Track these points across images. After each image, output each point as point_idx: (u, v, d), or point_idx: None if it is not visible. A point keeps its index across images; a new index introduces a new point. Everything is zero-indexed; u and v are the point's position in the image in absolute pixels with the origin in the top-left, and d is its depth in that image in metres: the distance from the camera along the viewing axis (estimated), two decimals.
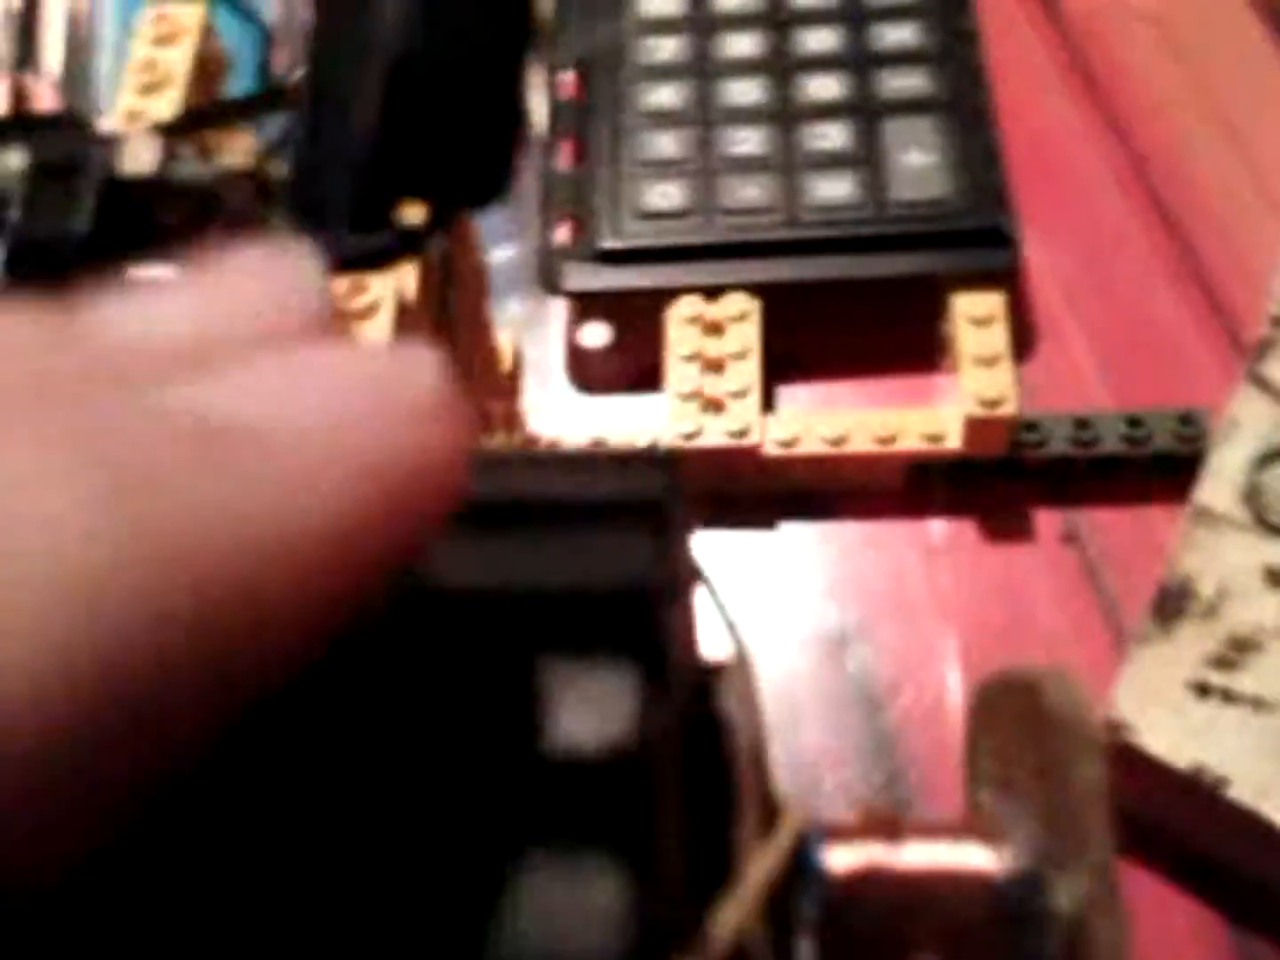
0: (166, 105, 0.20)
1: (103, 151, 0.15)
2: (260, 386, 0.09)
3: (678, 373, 0.29)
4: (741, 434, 0.28)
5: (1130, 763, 0.24)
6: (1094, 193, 0.33)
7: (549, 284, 0.31)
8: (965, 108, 0.31)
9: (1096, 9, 0.37)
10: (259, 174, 0.15)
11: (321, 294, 0.10)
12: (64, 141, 0.15)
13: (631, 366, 0.31)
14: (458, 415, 0.09)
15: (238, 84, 0.37)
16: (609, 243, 0.30)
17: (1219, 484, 0.26)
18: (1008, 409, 0.27)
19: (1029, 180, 0.33)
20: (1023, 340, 0.30)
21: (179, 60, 0.21)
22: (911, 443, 0.28)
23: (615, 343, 0.32)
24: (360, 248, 0.15)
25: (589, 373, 0.32)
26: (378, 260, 0.15)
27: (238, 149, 0.15)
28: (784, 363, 0.31)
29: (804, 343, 0.31)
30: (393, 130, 0.15)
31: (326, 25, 0.16)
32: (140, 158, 0.15)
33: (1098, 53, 0.36)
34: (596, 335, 0.32)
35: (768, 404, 0.30)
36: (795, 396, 0.31)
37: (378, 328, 0.20)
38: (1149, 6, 0.36)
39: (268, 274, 0.10)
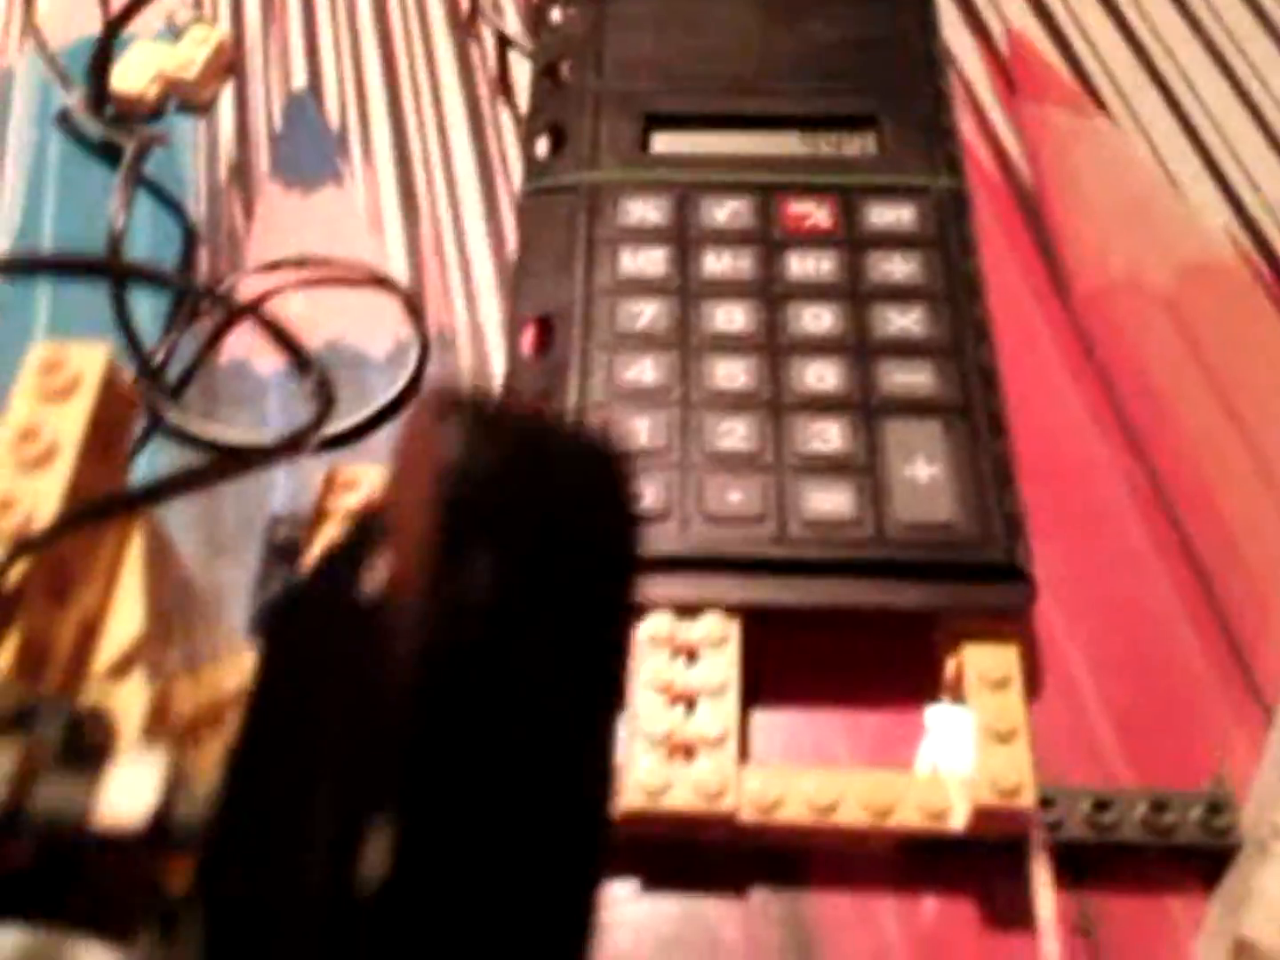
0: (49, 488, 0.16)
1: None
2: None
3: (645, 708, 0.25)
4: (716, 795, 0.24)
5: None
6: (1107, 508, 0.30)
7: None
8: (976, 412, 0.28)
9: (1107, 291, 0.34)
10: (160, 820, 0.11)
11: None
12: None
13: None
14: None
15: (157, 290, 0.33)
16: None
17: (1262, 913, 0.22)
18: (1024, 800, 0.23)
19: (1034, 489, 0.29)
20: (1026, 679, 0.27)
21: (71, 424, 0.16)
22: (909, 816, 0.24)
23: None
24: None
25: None
26: None
27: (132, 780, 0.11)
28: (764, 686, 0.27)
29: (788, 667, 0.27)
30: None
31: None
32: None
33: (1109, 342, 0.33)
34: None
35: (743, 740, 0.26)
36: (775, 728, 0.27)
37: None
38: (1161, 290, 0.34)
39: None
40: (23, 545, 0.15)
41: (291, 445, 0.19)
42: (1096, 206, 0.36)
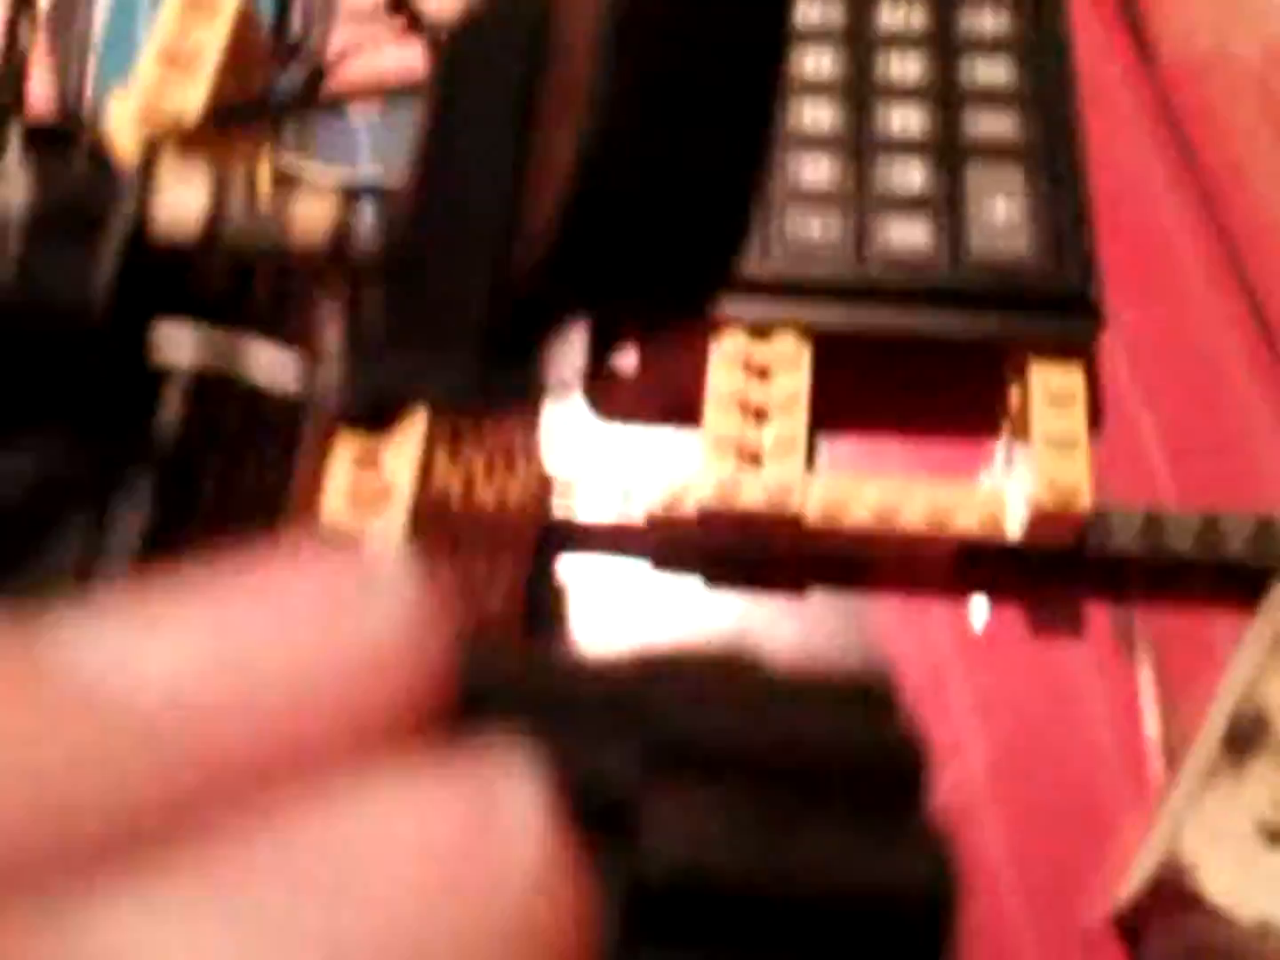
0: (194, 93, 0.17)
1: (130, 197, 0.11)
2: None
3: (716, 417, 0.26)
4: (782, 497, 0.26)
5: (1191, 906, 0.22)
6: (1178, 266, 0.31)
7: None
8: (1056, 158, 0.29)
9: (1196, 58, 0.34)
10: (342, 240, 0.12)
11: (430, 662, 0.07)
12: (73, 179, 0.11)
13: (659, 397, 0.29)
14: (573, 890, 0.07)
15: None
16: None
17: None
18: (1081, 503, 0.25)
19: (1106, 241, 0.30)
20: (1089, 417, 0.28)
21: (213, 40, 0.18)
22: (967, 523, 0.26)
23: (643, 369, 0.29)
24: (502, 387, 0.11)
25: (612, 399, 0.29)
26: (516, 400, 0.11)
27: (313, 206, 0.12)
28: (831, 412, 0.28)
29: (856, 394, 0.28)
30: (585, 213, 0.11)
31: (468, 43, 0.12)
32: (180, 211, 0.11)
33: (1193, 109, 0.33)
34: (624, 360, 0.29)
35: (810, 458, 0.27)
36: (840, 453, 0.28)
37: (390, 521, 0.16)
38: (1253, 63, 0.34)
39: (347, 609, 0.07)
40: (165, 133, 0.16)
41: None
42: None
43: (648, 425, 0.28)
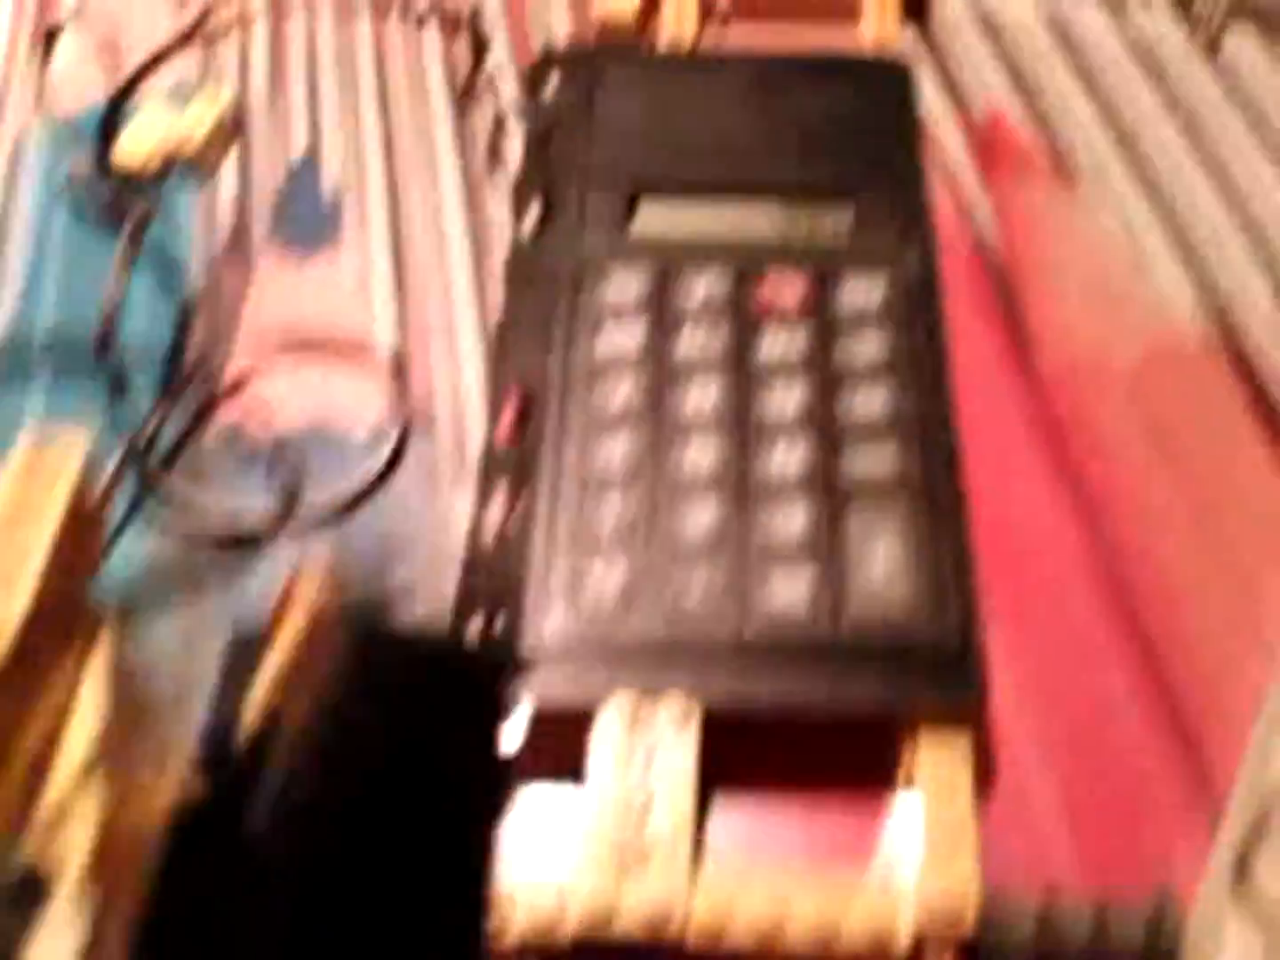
0: (14, 604, 0.17)
1: None
2: None
3: (597, 815, 0.26)
4: (662, 923, 0.25)
5: None
6: (1063, 589, 0.31)
7: None
8: (937, 498, 0.29)
9: (1073, 370, 0.35)
10: None
11: None
12: None
13: (549, 764, 0.28)
14: None
15: (147, 373, 0.34)
16: (532, 641, 0.28)
17: None
18: (965, 927, 0.24)
19: (991, 565, 0.30)
20: (978, 771, 0.28)
21: (38, 545, 0.18)
22: (855, 941, 0.25)
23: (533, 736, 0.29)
24: None
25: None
26: None
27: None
28: (722, 774, 0.28)
29: (747, 755, 0.28)
30: None
31: None
32: None
33: (1072, 420, 0.34)
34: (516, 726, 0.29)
35: (700, 833, 0.26)
36: (733, 820, 0.28)
37: None
38: (1126, 372, 0.35)
39: None
40: None
41: (257, 540, 0.20)
42: (1066, 285, 0.36)
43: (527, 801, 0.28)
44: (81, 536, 0.18)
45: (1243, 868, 0.25)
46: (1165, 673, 0.30)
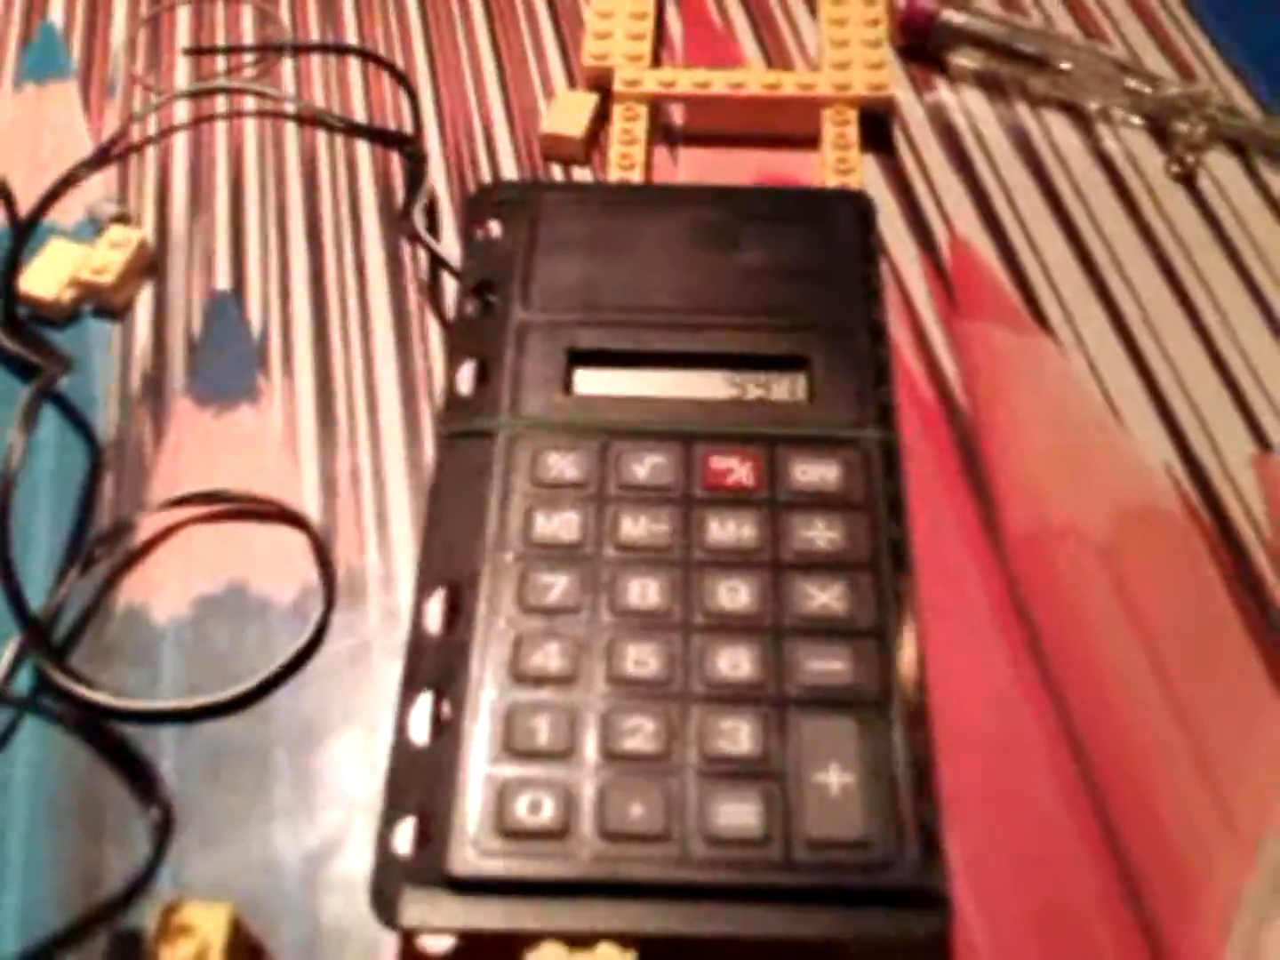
0: None
1: None
2: None
3: None
4: None
5: None
6: (1025, 781, 0.29)
7: (382, 910, 0.25)
8: (894, 708, 0.27)
9: (1041, 536, 0.33)
10: None
11: None
12: None
13: None
14: None
15: (59, 515, 0.32)
16: (459, 866, 0.25)
17: None
18: None
19: (953, 756, 0.28)
20: None
21: None
22: None
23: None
24: None
25: None
26: None
27: None
28: None
29: None
30: None
31: None
32: None
33: (1039, 589, 0.32)
34: (439, 943, 0.26)
35: None
36: None
37: None
38: (1098, 537, 0.33)
39: None
40: None
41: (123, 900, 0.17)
42: (1034, 441, 0.35)
43: None
44: None
45: None
46: (1134, 875, 0.27)
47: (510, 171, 0.40)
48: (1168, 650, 0.31)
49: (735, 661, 0.28)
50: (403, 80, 0.43)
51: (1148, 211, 0.40)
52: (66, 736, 0.29)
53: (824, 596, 0.29)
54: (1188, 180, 0.41)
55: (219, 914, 0.20)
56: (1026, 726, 0.30)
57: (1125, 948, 0.27)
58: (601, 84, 0.42)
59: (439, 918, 0.25)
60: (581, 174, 0.40)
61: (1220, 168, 0.41)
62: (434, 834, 0.26)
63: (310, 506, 0.33)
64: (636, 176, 0.39)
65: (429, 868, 0.25)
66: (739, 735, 0.27)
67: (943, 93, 0.43)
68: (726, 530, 0.30)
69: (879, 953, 0.25)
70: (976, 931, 0.27)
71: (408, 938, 0.27)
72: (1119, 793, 0.29)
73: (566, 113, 0.41)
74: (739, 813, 0.26)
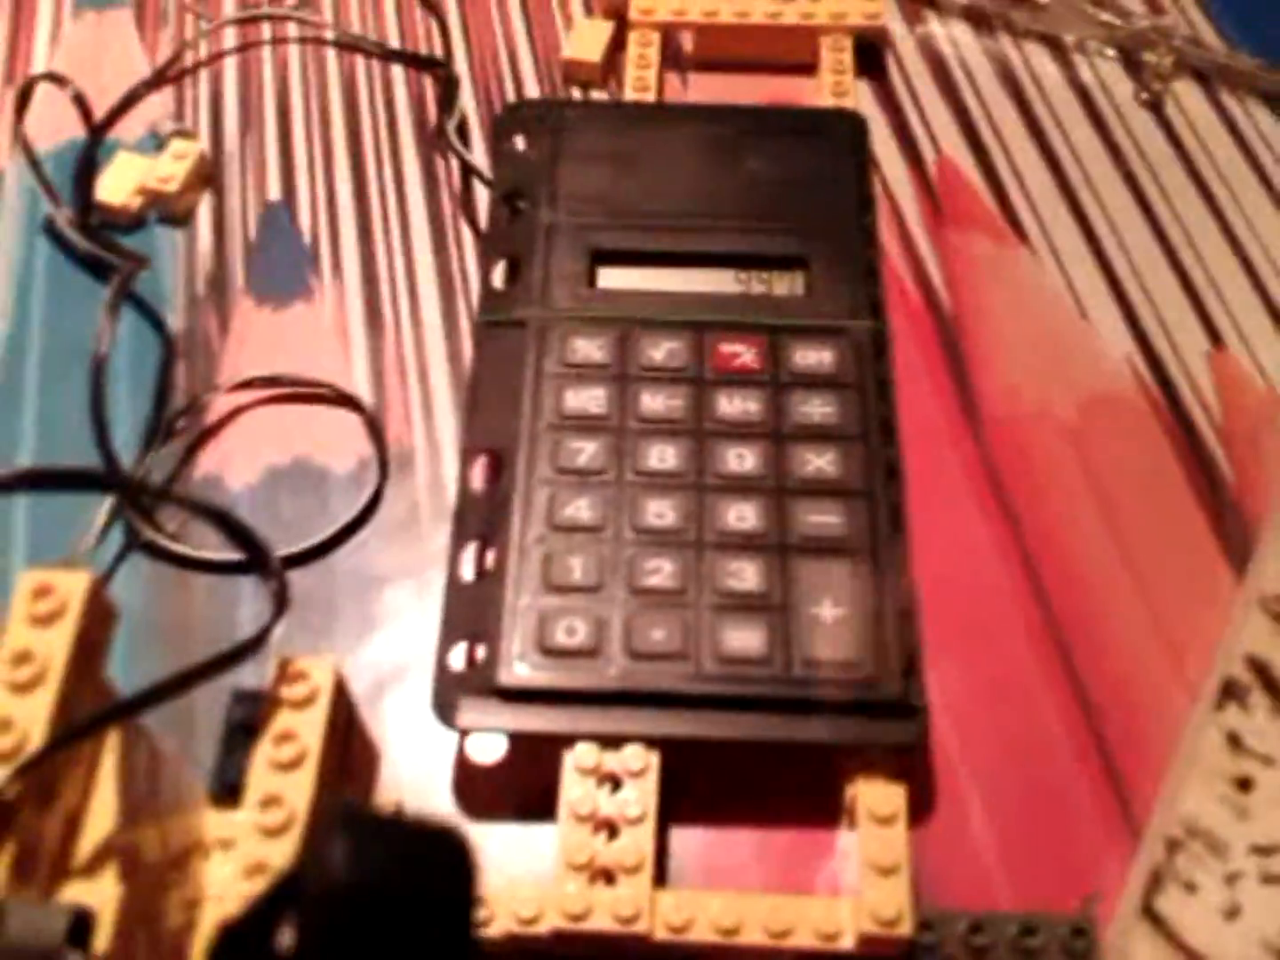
0: (40, 708, 0.19)
1: None
2: None
3: (570, 835, 0.28)
4: (632, 919, 0.27)
5: None
6: (1002, 633, 0.33)
7: (443, 715, 0.29)
8: (882, 554, 0.31)
9: (1015, 420, 0.37)
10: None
11: None
12: None
13: (521, 787, 0.30)
14: None
15: (136, 398, 0.35)
16: (507, 679, 0.29)
17: None
18: (903, 929, 0.26)
19: (935, 610, 0.32)
20: (919, 801, 0.30)
21: (58, 648, 0.19)
22: (805, 939, 0.27)
23: (503, 767, 0.31)
24: None
25: (476, 794, 0.30)
26: None
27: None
28: (682, 807, 0.30)
29: (706, 791, 0.30)
30: None
31: None
32: None
33: (1014, 470, 0.36)
34: (488, 751, 0.31)
35: (661, 858, 0.29)
36: (692, 848, 0.30)
37: None
38: (1066, 422, 0.37)
39: None
40: (21, 768, 0.18)
41: (252, 645, 0.21)
42: (1010, 337, 0.38)
43: (506, 822, 0.30)
44: (95, 642, 0.20)
45: (1150, 896, 0.27)
46: (1093, 708, 0.32)
47: (533, 94, 0.44)
48: (1125, 516, 0.35)
49: (742, 515, 0.32)
50: (433, 9, 0.46)
51: (1118, 134, 0.44)
52: (154, 586, 0.33)
53: (819, 461, 0.33)
54: (1155, 107, 0.44)
55: (327, 665, 0.24)
56: (999, 580, 0.34)
57: (1085, 767, 0.31)
58: (617, 12, 0.45)
59: (490, 721, 0.29)
60: (599, 97, 0.44)
61: (1186, 96, 0.44)
62: (485, 654, 0.30)
63: (361, 391, 0.37)
64: (650, 99, 0.43)
65: (481, 682, 0.29)
66: (746, 574, 0.31)
67: (932, 25, 0.47)
68: (734, 405, 0.34)
69: (865, 756, 0.29)
70: (954, 752, 0.31)
71: (463, 758, 0.31)
72: (1080, 638, 0.33)
73: (585, 39, 0.44)
74: (745, 637, 0.30)
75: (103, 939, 0.17)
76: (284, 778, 0.22)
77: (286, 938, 0.13)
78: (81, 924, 0.16)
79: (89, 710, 0.19)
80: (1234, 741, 0.30)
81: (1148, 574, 0.34)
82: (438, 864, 0.14)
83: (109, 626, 0.21)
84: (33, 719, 0.19)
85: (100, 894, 0.18)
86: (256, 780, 0.23)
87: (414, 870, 0.14)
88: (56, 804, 0.19)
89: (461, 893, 0.14)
